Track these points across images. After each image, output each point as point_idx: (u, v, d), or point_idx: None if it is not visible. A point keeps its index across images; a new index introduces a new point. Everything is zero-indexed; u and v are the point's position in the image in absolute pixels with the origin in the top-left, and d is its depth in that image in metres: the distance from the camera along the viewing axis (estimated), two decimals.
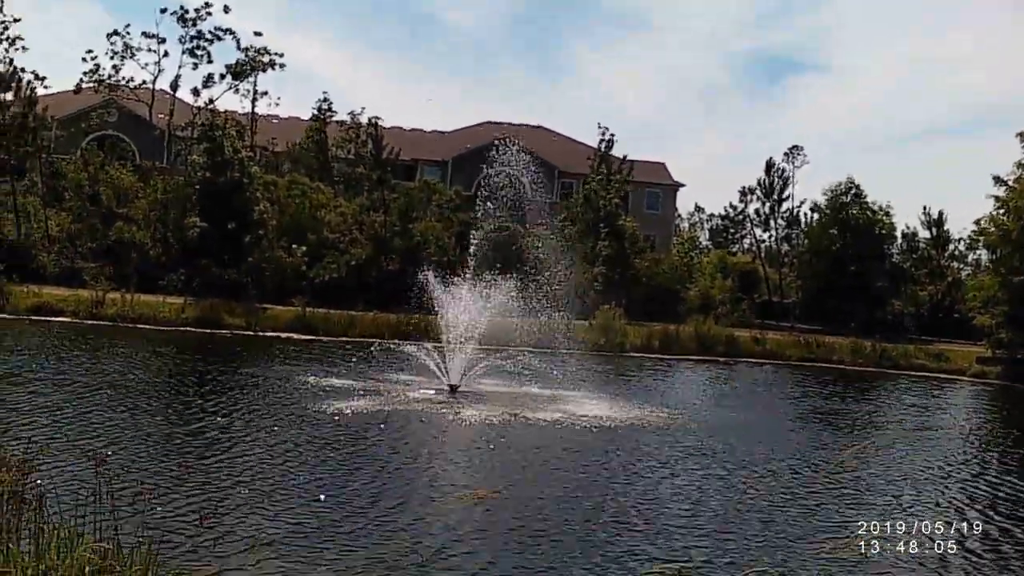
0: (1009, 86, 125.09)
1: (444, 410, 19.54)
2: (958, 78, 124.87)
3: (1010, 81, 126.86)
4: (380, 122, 52.93)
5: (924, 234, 62.13)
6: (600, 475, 14.76)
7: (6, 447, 7.74)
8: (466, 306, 24.11)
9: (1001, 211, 41.45)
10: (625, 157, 59.35)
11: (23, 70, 44.24)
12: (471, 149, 60.71)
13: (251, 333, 33.67)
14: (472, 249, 27.92)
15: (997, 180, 41.36)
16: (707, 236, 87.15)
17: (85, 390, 18.66)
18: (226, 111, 50.92)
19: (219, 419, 16.93)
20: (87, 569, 5.61)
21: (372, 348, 25.52)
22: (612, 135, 58.20)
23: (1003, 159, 67.04)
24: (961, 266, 63.20)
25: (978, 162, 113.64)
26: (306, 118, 59.49)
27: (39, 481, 7.49)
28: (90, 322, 32.25)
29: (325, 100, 58.13)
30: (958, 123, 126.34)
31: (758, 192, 62.17)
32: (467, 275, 25.39)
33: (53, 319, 32.15)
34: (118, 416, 16.27)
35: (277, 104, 56.96)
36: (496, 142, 32.72)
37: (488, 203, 33.20)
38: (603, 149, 58.46)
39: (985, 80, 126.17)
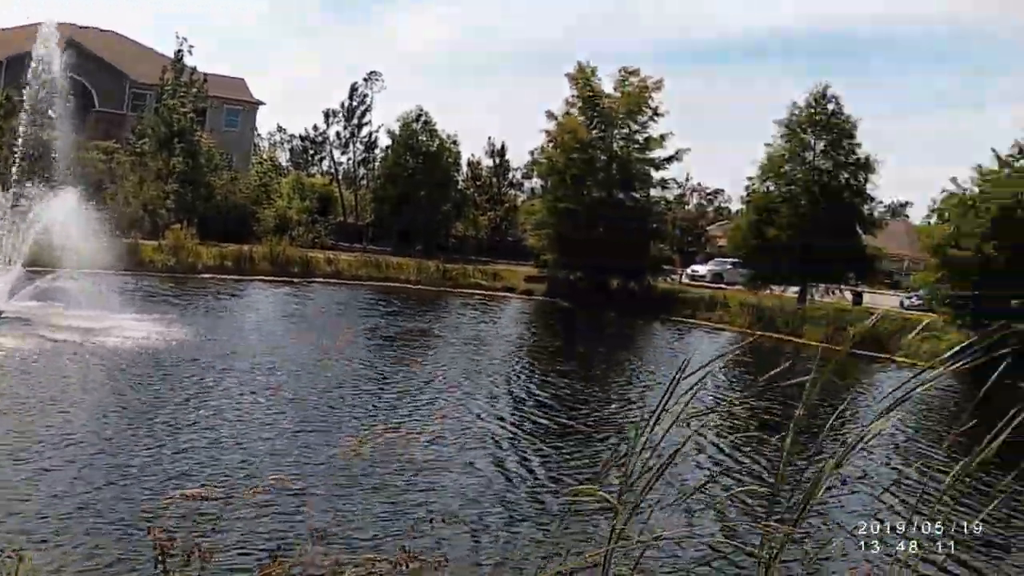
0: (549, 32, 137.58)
1: None
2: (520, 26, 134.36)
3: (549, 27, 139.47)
4: None
5: (488, 163, 67.06)
6: (131, 397, 14.80)
7: None
8: (10, 224, 22.32)
9: (551, 144, 45.76)
10: (205, 76, 56.67)
11: None
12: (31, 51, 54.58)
13: None
14: (16, 161, 25.60)
15: (550, 115, 45.54)
16: (288, 157, 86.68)
17: None
18: None
19: None
20: None
21: None
22: (190, 45, 55.37)
23: (557, 95, 73.74)
24: (518, 193, 69.27)
25: (538, 97, 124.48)
26: None
27: None
28: None
29: None
30: (518, 61, 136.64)
31: (341, 115, 63.04)
32: (9, 189, 23.37)
33: None
34: None
35: None
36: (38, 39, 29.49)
37: (50, 112, 30.32)
38: (178, 58, 55.44)
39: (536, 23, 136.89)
